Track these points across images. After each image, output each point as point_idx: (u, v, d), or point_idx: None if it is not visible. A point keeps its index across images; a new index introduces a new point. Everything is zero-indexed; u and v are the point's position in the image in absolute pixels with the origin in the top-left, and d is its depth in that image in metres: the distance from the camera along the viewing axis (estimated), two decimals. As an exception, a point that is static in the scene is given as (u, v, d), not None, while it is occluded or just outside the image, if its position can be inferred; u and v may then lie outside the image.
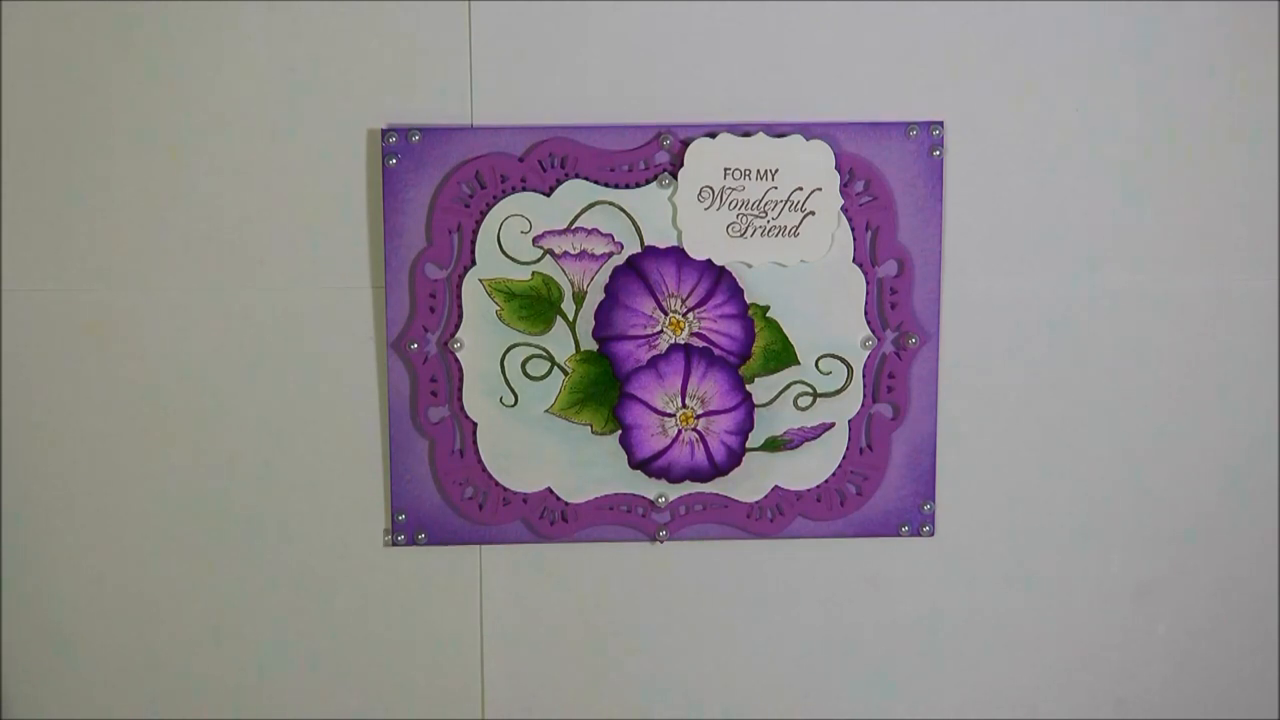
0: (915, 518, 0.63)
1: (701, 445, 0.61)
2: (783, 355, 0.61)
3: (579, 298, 0.60)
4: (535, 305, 0.60)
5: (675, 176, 0.59)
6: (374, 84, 0.59)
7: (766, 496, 0.62)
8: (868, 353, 0.61)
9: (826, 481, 0.62)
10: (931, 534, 0.63)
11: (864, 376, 0.61)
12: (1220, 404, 0.62)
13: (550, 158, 0.59)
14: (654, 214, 0.60)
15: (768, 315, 0.61)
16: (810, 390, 0.61)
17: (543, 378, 0.61)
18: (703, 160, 0.59)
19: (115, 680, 0.64)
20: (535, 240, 0.60)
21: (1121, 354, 0.62)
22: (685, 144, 0.59)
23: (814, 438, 0.62)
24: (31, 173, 0.60)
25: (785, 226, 0.60)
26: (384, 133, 0.59)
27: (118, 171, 0.60)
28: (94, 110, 0.59)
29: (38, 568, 0.63)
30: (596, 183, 0.59)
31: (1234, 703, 0.65)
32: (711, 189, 0.59)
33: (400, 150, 0.59)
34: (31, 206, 0.60)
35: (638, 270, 0.60)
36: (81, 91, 0.59)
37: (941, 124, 0.60)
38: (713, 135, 0.59)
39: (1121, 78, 0.60)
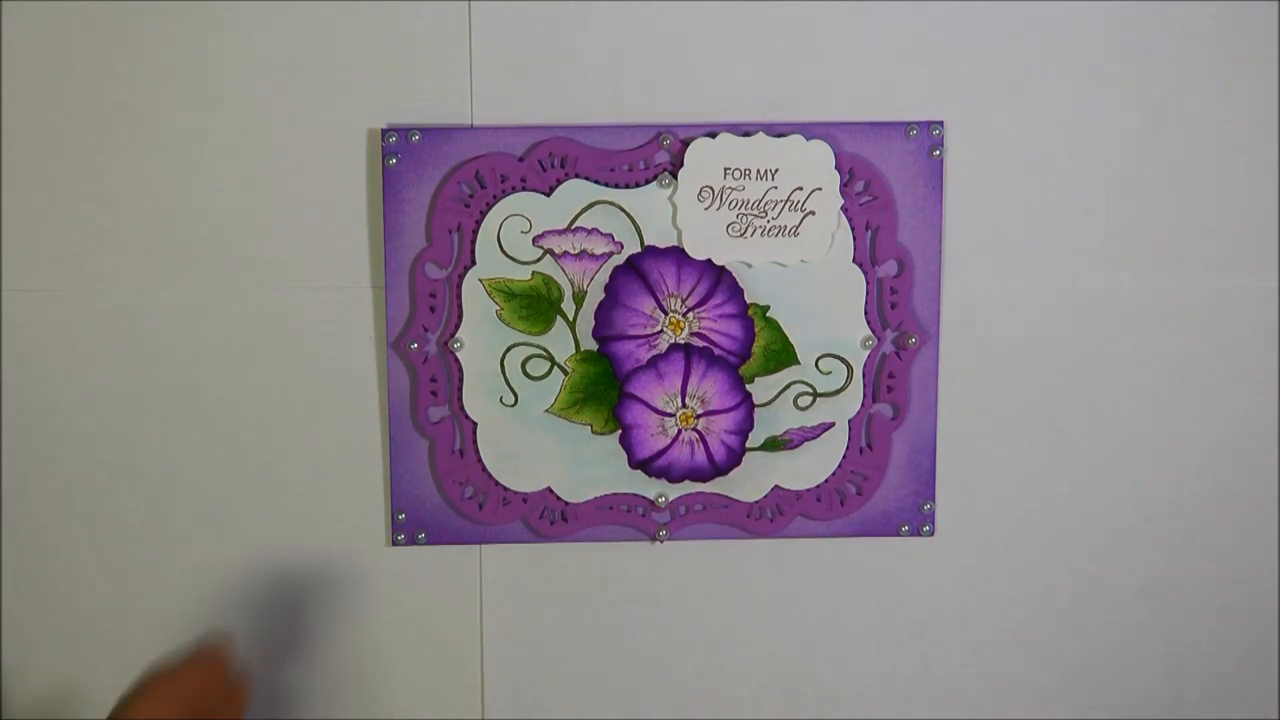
0: (915, 518, 0.63)
1: (701, 445, 0.61)
2: (783, 355, 0.61)
3: (579, 297, 0.60)
4: (535, 305, 0.60)
5: (675, 176, 0.59)
6: (374, 84, 0.59)
7: (766, 496, 0.62)
8: (868, 352, 0.61)
9: (826, 481, 0.62)
10: (931, 534, 0.63)
11: (864, 376, 0.61)
12: (1220, 404, 0.62)
13: (550, 157, 0.59)
14: (654, 214, 0.60)
15: (768, 315, 0.61)
16: (810, 390, 0.61)
17: (543, 377, 0.61)
18: (703, 160, 0.59)
19: (115, 680, 0.64)
20: (535, 240, 0.60)
21: (1121, 354, 0.62)
22: (685, 144, 0.59)
23: (814, 437, 0.62)
24: (31, 173, 0.60)
25: (785, 226, 0.60)
26: (384, 133, 0.59)
27: (117, 171, 0.60)
28: (94, 110, 0.60)
29: (38, 568, 0.63)
30: (596, 182, 0.59)
31: (1234, 703, 0.65)
32: (711, 189, 0.59)
33: (400, 150, 0.59)
34: (31, 206, 0.60)
35: (638, 270, 0.60)
36: (81, 91, 0.59)
37: (941, 124, 0.60)
38: (713, 135, 0.59)
39: (1121, 78, 0.60)
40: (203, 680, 0.52)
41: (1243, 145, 0.61)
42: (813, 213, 0.60)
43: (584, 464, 0.61)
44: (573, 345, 0.61)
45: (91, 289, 0.61)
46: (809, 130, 0.59)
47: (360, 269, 0.61)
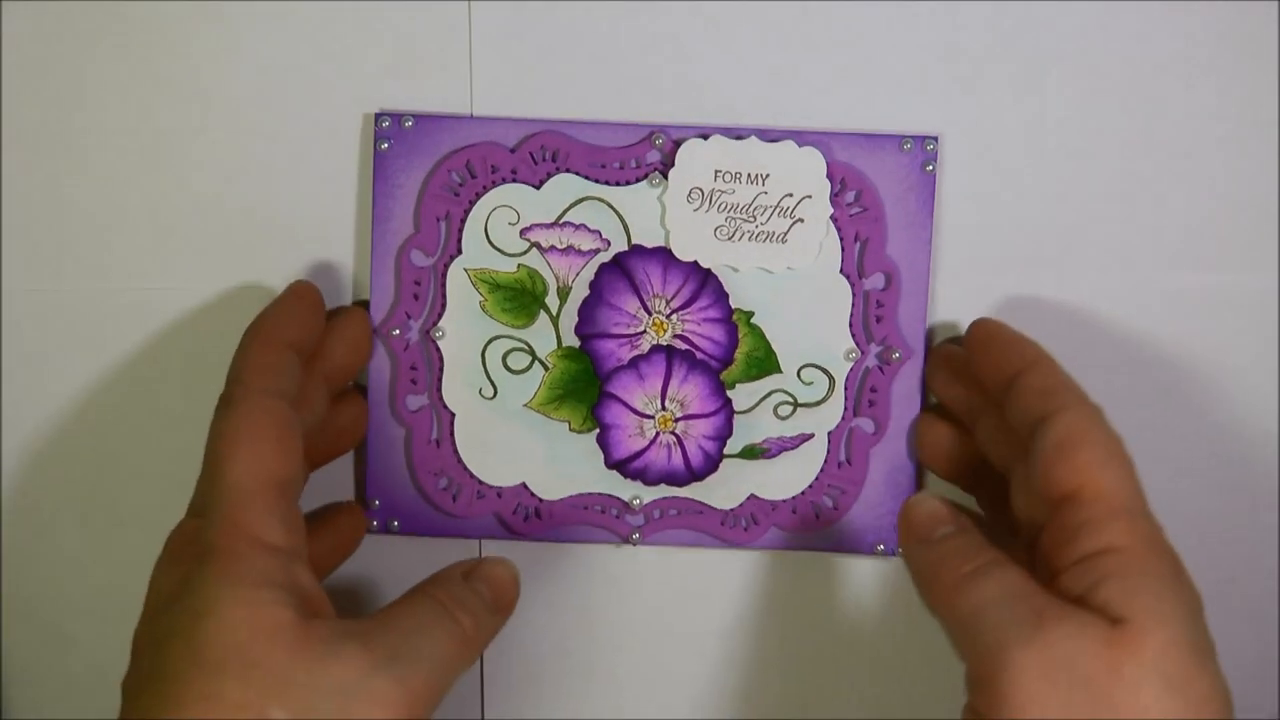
0: (891, 537, 0.62)
1: (679, 449, 0.61)
2: (765, 362, 0.61)
3: (563, 293, 0.60)
4: (519, 298, 0.60)
5: (666, 176, 0.59)
6: (376, 76, 0.60)
7: (741, 505, 0.62)
8: (850, 365, 0.61)
9: (803, 494, 0.62)
10: (907, 554, 0.62)
11: (846, 389, 0.61)
12: (1220, 404, 0.61)
13: (542, 150, 0.59)
14: (643, 212, 0.60)
15: (752, 321, 0.60)
16: (791, 400, 0.61)
17: (523, 371, 0.61)
18: (694, 161, 0.59)
19: (116, 680, 0.64)
20: (523, 232, 0.60)
21: (1117, 360, 0.61)
22: (677, 144, 0.59)
23: (792, 448, 0.61)
24: (31, 172, 0.60)
25: (773, 232, 0.59)
26: (377, 117, 0.59)
27: (117, 167, 0.60)
28: (93, 106, 0.60)
29: (38, 568, 0.63)
30: (587, 178, 0.59)
31: (1234, 703, 0.64)
32: (701, 190, 0.59)
33: (393, 136, 0.59)
34: (31, 206, 0.60)
35: (623, 268, 0.60)
36: (81, 90, 0.59)
37: (936, 138, 0.60)
38: (705, 137, 0.59)
39: (1120, 92, 0.60)
40: (301, 315, 0.56)
41: (1242, 146, 0.61)
42: (801, 220, 0.59)
43: (560, 461, 0.61)
44: (555, 341, 0.60)
45: (91, 287, 0.61)
46: (801, 137, 0.59)
47: (347, 255, 0.61)
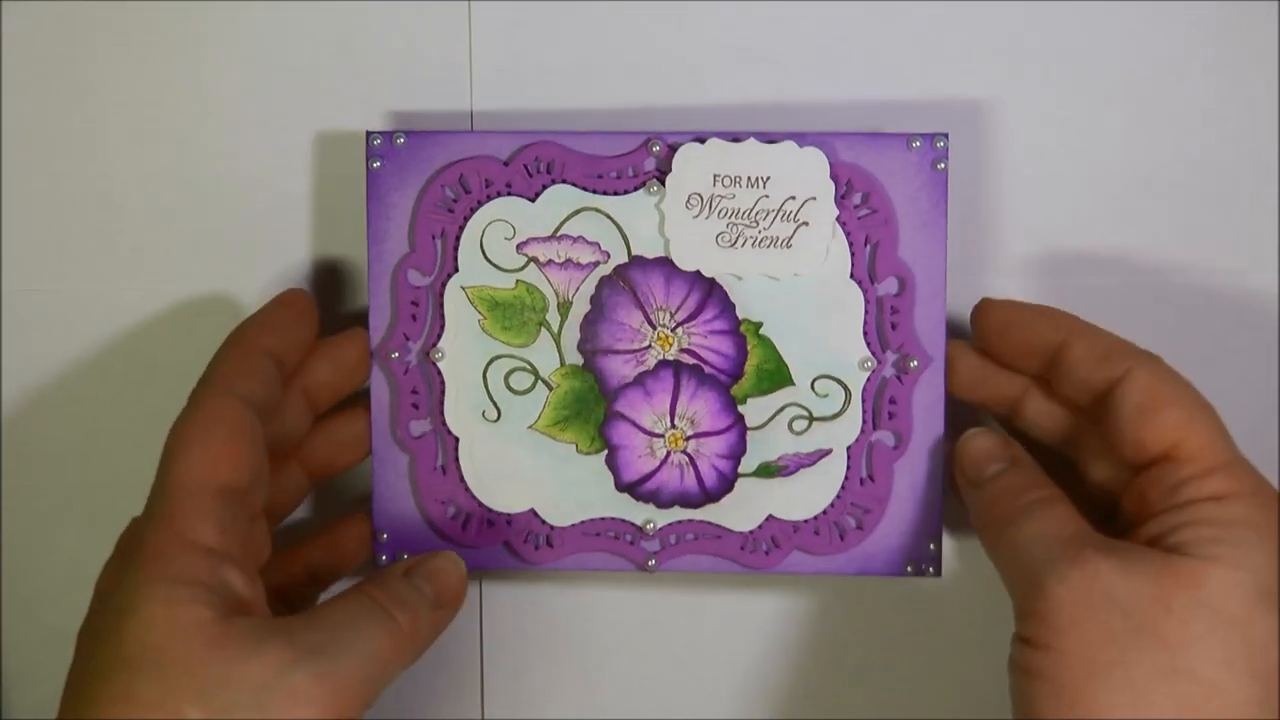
0: (922, 556, 0.59)
1: (691, 469, 0.58)
2: (776, 375, 0.58)
3: (564, 308, 0.58)
4: (518, 315, 0.58)
5: (664, 184, 0.57)
6: (372, 89, 0.59)
7: (761, 527, 0.59)
8: (867, 375, 0.58)
9: (825, 513, 0.59)
10: (938, 575, 0.59)
11: (863, 401, 0.58)
12: (1220, 404, 0.58)
13: (536, 162, 0.58)
14: (641, 222, 0.58)
15: (760, 332, 0.58)
16: (806, 414, 0.58)
17: (527, 392, 0.59)
18: (691, 166, 0.57)
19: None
20: (519, 247, 0.58)
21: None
22: (674, 149, 0.57)
23: (810, 464, 0.58)
24: (31, 173, 0.60)
25: (777, 237, 0.57)
26: (368, 135, 0.58)
27: (117, 171, 0.60)
28: (94, 110, 0.60)
29: (38, 568, 0.63)
30: (583, 189, 0.58)
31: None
32: (700, 196, 0.57)
33: (384, 154, 0.58)
34: (31, 206, 0.60)
35: (625, 281, 0.58)
36: (81, 91, 0.60)
37: (946, 135, 0.57)
38: (702, 141, 0.57)
39: (1126, 87, 0.58)
40: (285, 322, 0.55)
41: (1242, 146, 0.58)
42: (806, 223, 0.57)
43: (569, 485, 0.59)
44: (557, 359, 0.58)
45: (91, 287, 0.61)
46: (803, 138, 0.57)
47: (345, 274, 0.60)
